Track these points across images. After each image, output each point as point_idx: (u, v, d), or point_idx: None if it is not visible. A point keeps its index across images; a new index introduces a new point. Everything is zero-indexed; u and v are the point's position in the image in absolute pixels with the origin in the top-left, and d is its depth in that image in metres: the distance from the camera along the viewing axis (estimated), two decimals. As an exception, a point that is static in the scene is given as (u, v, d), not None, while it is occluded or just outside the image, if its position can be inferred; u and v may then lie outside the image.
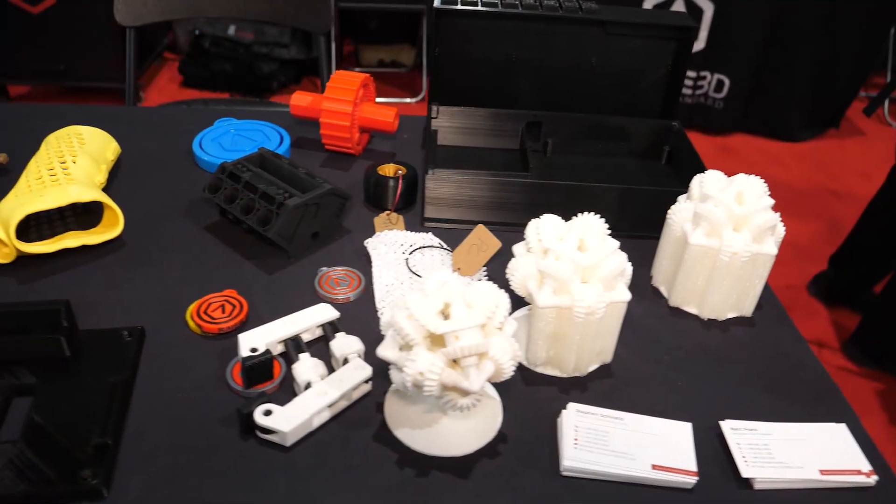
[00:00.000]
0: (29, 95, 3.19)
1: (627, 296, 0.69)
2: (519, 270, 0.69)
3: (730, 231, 0.76)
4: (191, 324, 0.74)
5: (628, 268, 0.70)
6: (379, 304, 0.78)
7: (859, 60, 2.85)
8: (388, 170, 0.93)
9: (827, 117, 3.04)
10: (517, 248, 0.73)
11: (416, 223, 0.91)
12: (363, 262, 0.84)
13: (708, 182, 0.79)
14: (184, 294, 0.77)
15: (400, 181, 0.90)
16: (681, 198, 0.83)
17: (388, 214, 0.91)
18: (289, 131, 1.07)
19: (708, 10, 2.79)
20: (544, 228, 0.70)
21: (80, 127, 0.93)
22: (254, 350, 0.67)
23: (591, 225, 0.70)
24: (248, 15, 1.57)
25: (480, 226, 0.83)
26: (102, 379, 0.66)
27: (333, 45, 3.37)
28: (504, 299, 0.60)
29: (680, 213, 0.80)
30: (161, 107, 1.59)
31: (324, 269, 0.82)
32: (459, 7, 1.00)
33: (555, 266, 0.66)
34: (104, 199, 0.81)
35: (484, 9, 1.00)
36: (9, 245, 0.78)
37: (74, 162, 0.85)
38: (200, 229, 0.88)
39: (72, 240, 0.80)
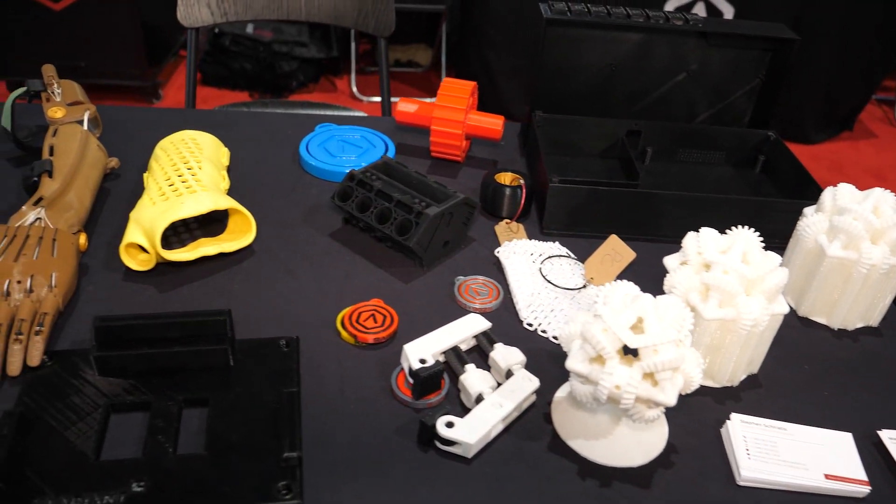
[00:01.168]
0: (47, 92, 3.15)
1: (786, 308, 0.70)
2: (681, 283, 0.70)
3: (868, 244, 0.77)
4: (343, 333, 0.74)
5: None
6: (523, 314, 0.78)
7: (874, 64, 2.89)
8: (504, 178, 0.94)
9: (841, 120, 3.09)
10: (669, 261, 0.74)
11: (533, 232, 0.92)
12: (492, 271, 0.85)
13: (842, 195, 0.80)
14: (324, 302, 0.78)
15: (523, 190, 0.90)
16: (807, 210, 0.84)
17: (507, 223, 0.92)
18: (391, 138, 1.07)
19: (728, 13, 2.82)
20: (705, 242, 0.71)
21: (193, 132, 0.92)
22: (422, 361, 0.68)
23: (749, 239, 0.71)
24: (310, 17, 1.56)
25: (613, 236, 0.84)
26: (273, 390, 0.66)
27: (353, 45, 3.37)
28: (688, 313, 0.61)
29: (813, 226, 0.81)
30: (222, 110, 1.58)
31: (461, 278, 0.82)
32: (569, 17, 1.00)
33: (723, 279, 0.67)
34: (239, 206, 0.81)
35: (593, 19, 1.01)
36: (151, 252, 0.77)
37: (200, 168, 0.85)
38: (326, 237, 0.88)
39: (209, 247, 0.80)
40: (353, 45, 3.39)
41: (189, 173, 0.83)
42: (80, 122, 0.89)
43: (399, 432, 0.65)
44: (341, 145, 1.02)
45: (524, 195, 0.90)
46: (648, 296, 0.61)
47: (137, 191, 0.93)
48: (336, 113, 1.62)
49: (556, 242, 0.88)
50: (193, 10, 1.53)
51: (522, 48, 2.97)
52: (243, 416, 0.64)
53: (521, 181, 0.92)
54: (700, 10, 2.87)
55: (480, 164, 1.05)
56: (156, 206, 0.78)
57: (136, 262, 0.78)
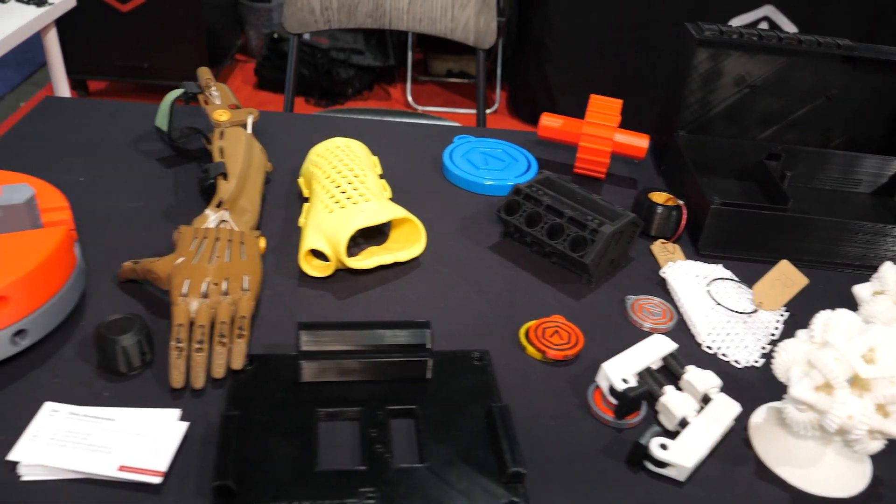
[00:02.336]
0: (107, 91, 3.19)
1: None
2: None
3: None
4: (529, 348, 0.73)
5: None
6: (702, 336, 0.77)
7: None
8: (658, 198, 0.93)
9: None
10: (860, 291, 0.72)
11: (687, 253, 0.91)
12: (655, 290, 0.84)
13: None
14: (498, 316, 0.77)
15: (683, 211, 0.89)
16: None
17: (663, 243, 0.91)
18: (531, 152, 1.06)
19: (790, 30, 2.81)
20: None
21: (345, 139, 0.92)
22: (624, 381, 0.67)
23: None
24: (411, 27, 1.57)
25: (785, 261, 0.82)
26: (478, 403, 0.65)
27: (410, 54, 3.38)
28: (915, 344, 0.60)
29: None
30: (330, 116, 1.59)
31: (631, 297, 0.81)
32: (721, 38, 1.00)
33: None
34: (412, 216, 0.81)
35: (744, 41, 1.00)
36: (331, 260, 0.77)
37: (366, 176, 0.85)
38: (486, 249, 0.87)
39: (384, 256, 0.80)
40: (409, 53, 3.40)
41: (357, 181, 0.83)
42: (244, 126, 0.88)
43: (605, 452, 0.64)
44: (484, 158, 1.01)
45: (684, 216, 0.89)
46: (880, 326, 0.60)
47: (291, 196, 0.92)
48: (434, 123, 1.62)
49: (720, 265, 0.87)
50: (299, 17, 1.53)
51: (582, 62, 2.97)
52: (454, 430, 0.63)
53: (679, 202, 0.91)
54: (763, 27, 2.86)
55: (617, 182, 1.05)
56: (335, 214, 0.78)
57: (313, 269, 0.78)
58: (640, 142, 1.00)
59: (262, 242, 0.76)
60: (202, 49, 3.01)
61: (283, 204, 0.91)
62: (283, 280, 0.78)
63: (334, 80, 3.28)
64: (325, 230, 0.77)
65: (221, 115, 0.87)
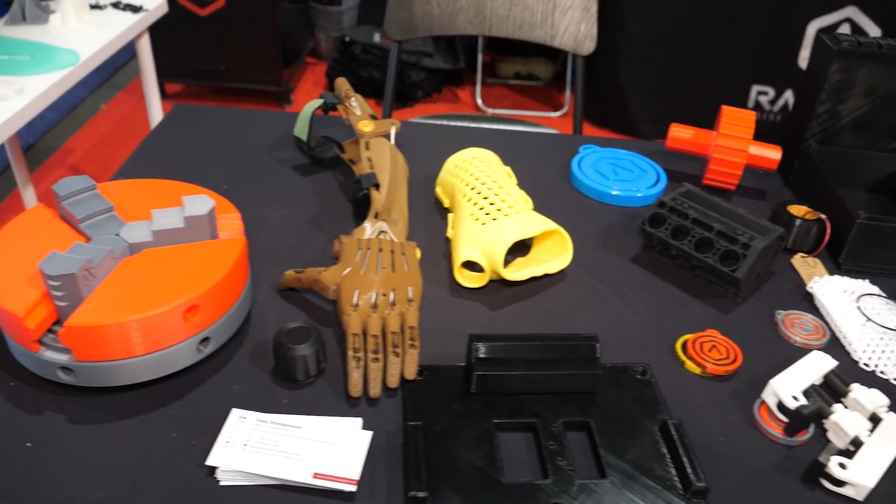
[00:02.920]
0: (183, 94, 3.26)
1: None
2: None
3: None
4: (688, 363, 0.73)
5: None
6: (859, 353, 0.76)
7: None
8: (797, 211, 0.92)
9: None
10: None
11: (828, 267, 0.90)
12: (801, 305, 0.83)
13: None
14: (648, 329, 0.77)
15: (827, 225, 0.88)
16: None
17: (803, 257, 0.90)
18: (657, 162, 1.06)
19: (873, 32, 2.75)
20: None
21: (479, 149, 0.93)
22: (794, 398, 0.66)
23: None
24: (512, 33, 1.57)
25: (940, 277, 0.81)
26: (650, 418, 0.65)
27: (480, 56, 3.38)
28: None
29: None
30: (426, 123, 1.60)
31: (781, 312, 0.80)
32: (860, 49, 0.98)
33: None
34: (560, 228, 0.81)
35: (883, 52, 0.98)
36: (486, 271, 0.78)
37: (511, 188, 0.86)
38: (626, 261, 0.87)
39: (536, 268, 0.80)
40: (479, 56, 3.41)
41: (504, 192, 0.84)
42: (387, 137, 0.90)
43: (779, 469, 0.64)
44: (612, 168, 1.01)
45: (828, 231, 0.88)
46: None
47: (426, 205, 0.94)
48: (534, 130, 1.62)
49: (866, 280, 0.86)
50: (400, 24, 1.55)
51: (657, 64, 2.94)
52: (629, 444, 0.63)
53: (820, 215, 0.90)
54: (845, 30, 2.80)
55: (746, 193, 1.04)
56: (488, 227, 0.79)
57: (466, 279, 0.79)
58: (772, 153, 0.99)
59: (418, 252, 0.77)
60: (278, 52, 3.06)
61: (420, 213, 0.92)
62: (435, 290, 0.80)
63: (405, 82, 3.30)
64: (479, 242, 0.78)
65: (366, 126, 0.89)
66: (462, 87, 3.55)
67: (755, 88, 2.95)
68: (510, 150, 1.08)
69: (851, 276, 0.87)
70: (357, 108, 0.93)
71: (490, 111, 3.32)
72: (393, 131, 0.90)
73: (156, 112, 2.26)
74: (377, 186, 0.82)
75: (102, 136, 2.94)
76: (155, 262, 0.64)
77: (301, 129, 0.94)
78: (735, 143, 0.96)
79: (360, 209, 0.86)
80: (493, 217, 0.80)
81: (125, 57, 3.57)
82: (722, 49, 2.86)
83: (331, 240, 0.85)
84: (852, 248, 0.88)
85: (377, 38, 3.31)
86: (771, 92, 2.95)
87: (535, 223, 0.78)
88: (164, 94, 3.21)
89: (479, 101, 3.36)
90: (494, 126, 1.63)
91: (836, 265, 0.90)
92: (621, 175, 1.00)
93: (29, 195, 2.32)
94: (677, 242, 0.83)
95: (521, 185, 1.00)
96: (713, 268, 0.81)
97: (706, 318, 0.80)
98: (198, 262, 0.65)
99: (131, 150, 2.84)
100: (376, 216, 0.78)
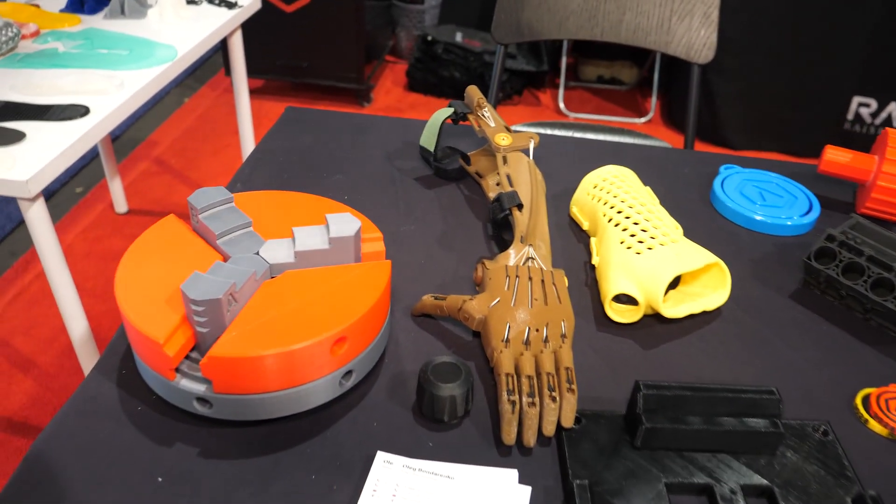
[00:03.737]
0: (264, 89, 3.26)
1: None
2: None
3: None
4: (871, 422, 0.65)
5: None
6: None
7: None
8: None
9: None
10: None
11: None
12: None
13: None
14: (822, 379, 0.69)
15: None
16: None
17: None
18: (806, 186, 0.97)
19: None
20: None
21: (618, 168, 0.85)
22: None
23: None
24: (624, 39, 1.49)
25: None
26: (838, 488, 0.58)
27: (564, 60, 3.30)
28: None
29: None
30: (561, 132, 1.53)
31: (971, 365, 0.71)
32: None
33: None
34: (720, 261, 0.73)
35: None
36: (641, 305, 0.71)
37: (661, 213, 0.78)
38: (786, 298, 0.79)
39: (693, 304, 0.73)
40: (563, 59, 3.33)
41: (655, 218, 0.76)
42: (525, 152, 0.83)
43: None
44: (759, 191, 0.93)
45: None
46: None
47: (558, 227, 0.87)
48: (653, 144, 1.54)
49: None
50: (508, 28, 1.49)
51: (751, 72, 2.81)
52: (822, 519, 0.55)
53: None
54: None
55: (907, 224, 0.94)
56: (644, 257, 0.71)
57: (618, 314, 0.72)
58: (944, 182, 0.89)
59: (566, 280, 0.71)
60: (360, 50, 3.03)
61: (554, 235, 0.85)
62: (580, 322, 0.73)
63: (486, 83, 3.24)
64: (635, 273, 0.71)
65: (503, 140, 0.83)
66: (543, 89, 3.47)
67: (856, 100, 2.80)
68: (642, 166, 1.01)
69: None
70: (490, 119, 0.87)
71: (572, 115, 3.23)
72: (532, 146, 0.84)
73: (244, 108, 2.25)
74: (520, 207, 0.75)
75: (186, 129, 2.96)
76: (298, 287, 0.59)
77: (428, 139, 0.89)
78: (904, 169, 0.87)
79: (499, 230, 0.80)
80: (649, 246, 0.73)
81: (209, 52, 3.60)
82: (823, 57, 2.71)
83: (462, 260, 0.79)
84: None
85: (459, 37, 3.26)
86: (874, 104, 2.79)
87: (695, 255, 0.71)
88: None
89: (562, 105, 3.27)
90: (601, 137, 1.56)
91: None
92: (769, 200, 0.91)
93: (116, 186, 2.34)
94: (849, 282, 0.74)
95: (663, 205, 0.92)
96: (893, 313, 0.72)
97: (886, 370, 0.71)
98: (344, 288, 0.60)
99: (214, 145, 2.84)
100: (521, 240, 0.72)
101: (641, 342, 0.72)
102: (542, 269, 0.69)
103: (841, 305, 0.78)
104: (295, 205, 0.69)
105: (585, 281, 0.78)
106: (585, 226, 0.84)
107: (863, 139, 2.86)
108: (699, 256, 0.71)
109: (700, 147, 2.99)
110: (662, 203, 0.93)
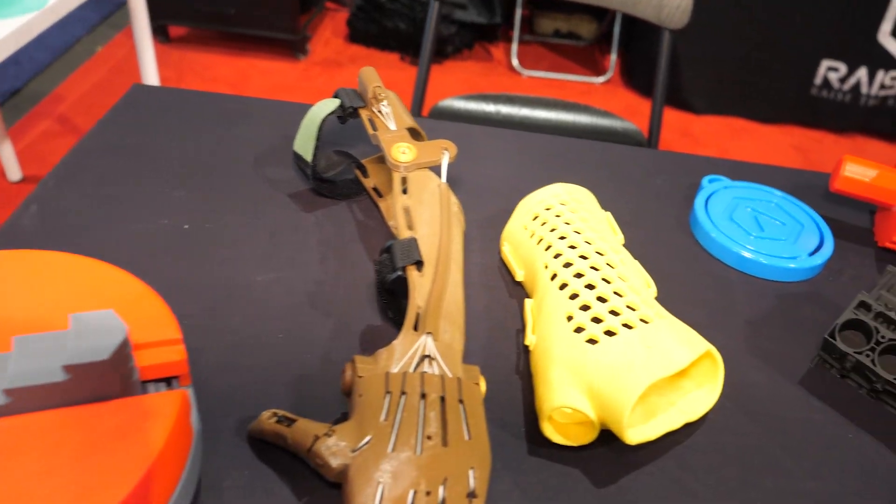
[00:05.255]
0: (188, 38, 2.91)
1: None
2: None
3: None
4: None
5: None
6: None
7: None
8: None
9: None
10: None
11: None
12: None
13: None
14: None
15: None
16: None
17: None
18: (814, 209, 0.74)
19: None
20: None
21: (567, 187, 0.61)
22: None
23: None
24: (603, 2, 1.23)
25: None
26: None
27: (518, 12, 3.02)
28: None
29: None
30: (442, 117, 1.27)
31: None
32: None
33: None
34: (713, 350, 0.50)
35: None
36: (595, 425, 0.47)
37: (626, 262, 0.54)
38: (797, 387, 0.56)
39: (670, 416, 0.49)
40: (517, 11, 3.04)
41: (619, 278, 0.52)
42: (436, 170, 0.58)
43: None
44: (754, 216, 0.69)
45: None
46: None
47: (479, 266, 0.62)
48: (616, 124, 1.29)
49: None
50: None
51: (715, 34, 2.58)
52: None
53: None
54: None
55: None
56: (602, 349, 0.47)
57: (559, 435, 0.48)
58: None
59: (483, 386, 0.46)
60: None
61: (477, 285, 0.60)
62: (502, 442, 0.49)
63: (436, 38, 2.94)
64: (587, 376, 0.46)
65: (404, 153, 0.57)
66: (496, 43, 3.19)
67: (825, 64, 2.60)
68: (602, 173, 0.76)
69: None
70: (390, 118, 0.61)
71: (526, 73, 2.96)
72: (445, 161, 0.58)
73: (148, 61, 1.93)
74: (419, 265, 0.50)
75: (97, 83, 2.61)
76: (13, 452, 0.34)
77: (304, 144, 0.62)
78: (950, 196, 0.64)
79: (391, 300, 0.55)
80: (608, 328, 0.48)
81: (122, -7, 3.22)
82: (791, 18, 2.49)
83: (341, 332, 0.54)
84: None
85: (404, -16, 2.95)
86: (842, 68, 2.59)
87: (679, 347, 0.47)
88: (167, 38, 2.86)
89: (515, 62, 3.00)
90: (554, 115, 1.30)
91: None
92: (769, 229, 0.68)
93: (6, 151, 2.01)
94: (891, 375, 0.51)
95: (623, 231, 0.68)
96: (955, 426, 0.49)
97: (942, 511, 0.49)
98: (96, 451, 0.34)
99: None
100: (416, 326, 0.47)
101: (593, 475, 0.48)
102: (443, 377, 0.44)
103: (871, 397, 0.55)
104: (32, 278, 0.42)
105: (517, 367, 0.54)
106: (520, 276, 0.60)
107: (831, 106, 2.67)
108: (685, 348, 0.47)
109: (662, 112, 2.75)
110: (628, 232, 0.68)
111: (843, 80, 2.63)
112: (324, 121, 0.61)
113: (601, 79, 3.01)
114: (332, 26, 3.17)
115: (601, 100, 2.86)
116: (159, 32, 2.81)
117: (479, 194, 0.70)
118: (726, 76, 2.68)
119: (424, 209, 0.54)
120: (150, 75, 1.92)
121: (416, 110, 1.29)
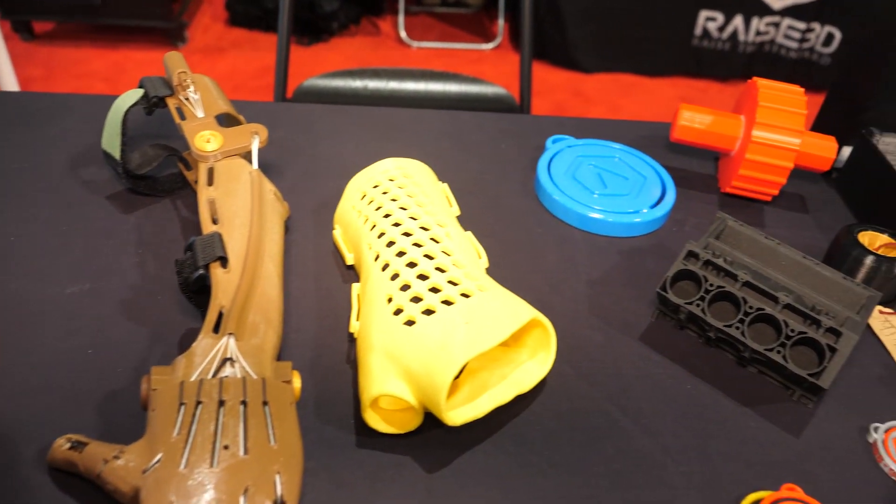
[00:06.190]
0: (55, 33, 2.76)
1: None
2: None
3: None
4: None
5: None
6: None
7: None
8: (872, 240, 0.61)
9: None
10: None
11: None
12: (893, 399, 0.54)
13: None
14: (690, 483, 0.46)
15: (928, 267, 0.58)
16: None
17: (882, 312, 0.60)
18: (652, 157, 0.74)
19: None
20: None
21: (400, 161, 0.59)
22: None
23: None
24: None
25: None
26: None
27: (401, -19, 2.97)
28: None
29: None
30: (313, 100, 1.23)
31: (878, 426, 0.51)
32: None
33: None
34: (542, 318, 0.48)
35: None
36: (417, 409, 0.45)
37: (450, 237, 0.52)
38: (636, 342, 0.56)
39: (499, 390, 0.48)
40: (400, -19, 2.99)
41: (441, 250, 0.50)
42: (246, 157, 0.55)
43: None
44: (597, 174, 0.68)
45: (929, 275, 0.58)
46: None
47: (319, 253, 0.59)
48: (481, 89, 1.27)
49: None
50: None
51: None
52: None
53: (914, 250, 0.60)
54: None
55: (777, 200, 0.73)
56: (419, 329, 0.45)
57: (384, 422, 0.46)
58: (826, 148, 0.68)
59: (297, 382, 0.44)
60: (165, -17, 2.59)
61: (309, 273, 0.58)
62: (330, 433, 0.46)
63: (317, 13, 2.87)
64: (404, 361, 0.44)
65: (207, 142, 0.53)
66: (383, 17, 3.13)
67: (703, 14, 2.65)
68: (439, 142, 0.74)
69: (965, 347, 0.58)
70: (197, 105, 0.57)
71: (415, 44, 2.92)
72: (256, 146, 0.55)
73: (2, 61, 1.80)
74: (223, 261, 0.47)
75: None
76: None
77: (110, 140, 0.58)
78: (780, 135, 0.65)
79: (202, 298, 0.51)
80: (428, 307, 0.46)
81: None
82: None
83: (158, 342, 0.50)
84: (963, 302, 0.59)
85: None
86: (720, 18, 2.65)
87: (499, 319, 0.46)
88: (31, 34, 2.69)
89: (403, 34, 2.96)
90: (423, 86, 1.27)
91: (932, 322, 0.61)
92: (612, 185, 0.68)
93: None
94: (720, 323, 0.51)
95: (464, 204, 0.66)
96: (782, 367, 0.50)
97: (771, 447, 0.49)
98: None
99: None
100: (217, 328, 0.44)
101: (424, 460, 0.46)
102: (245, 380, 0.41)
103: (704, 344, 0.55)
104: None
105: (348, 356, 0.52)
106: (350, 260, 0.57)
107: (713, 55, 2.73)
108: (506, 319, 0.45)
109: (551, 72, 2.77)
110: (471, 201, 0.67)
111: (721, 28, 2.69)
112: (127, 113, 0.57)
113: (491, 45, 3.00)
114: (211, 11, 3.05)
115: (492, 66, 2.85)
116: (21, 29, 2.65)
117: (315, 176, 0.67)
118: (611, 33, 2.71)
119: (233, 200, 0.51)
120: (5, 76, 1.79)
121: (279, 93, 1.24)
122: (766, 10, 2.59)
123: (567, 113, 2.60)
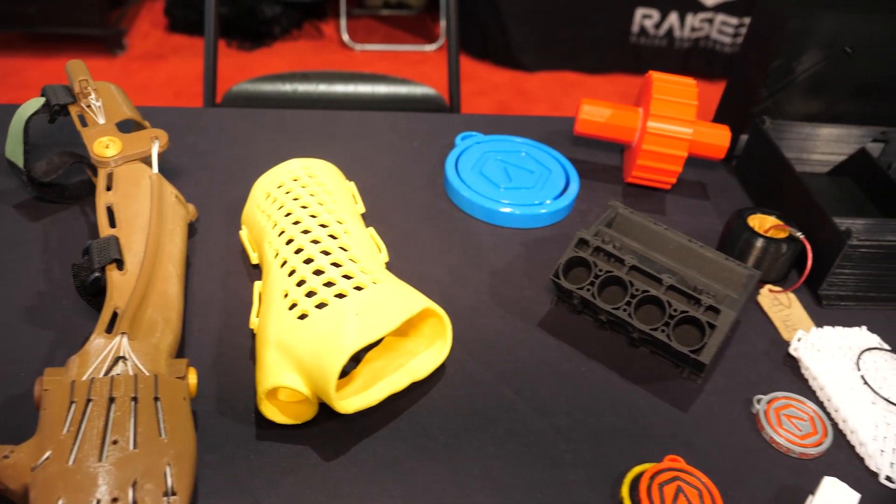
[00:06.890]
0: (-11, 45, 2.71)
1: None
2: None
3: None
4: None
5: None
6: (876, 460, 0.51)
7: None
8: (762, 223, 0.65)
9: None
10: None
11: (802, 300, 0.64)
12: (784, 376, 0.57)
13: None
14: (579, 460, 0.49)
15: (808, 250, 0.62)
16: None
17: (771, 291, 0.63)
18: (559, 150, 0.76)
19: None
20: None
21: (305, 161, 0.61)
22: None
23: None
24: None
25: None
26: None
27: (342, -15, 2.98)
28: None
29: None
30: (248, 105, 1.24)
31: (762, 398, 0.54)
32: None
33: None
34: (435, 307, 0.51)
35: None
36: (311, 400, 0.47)
37: (348, 233, 0.54)
38: (535, 328, 0.58)
39: (395, 377, 0.50)
40: (342, -15, 3.00)
41: (337, 245, 0.52)
42: (146, 161, 0.56)
43: None
44: (503, 168, 0.71)
45: (809, 258, 0.62)
46: None
47: (231, 256, 0.61)
48: (408, 90, 1.29)
49: (864, 328, 0.61)
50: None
51: (539, -10, 2.65)
52: None
53: (795, 233, 0.63)
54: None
55: (678, 188, 0.76)
56: (311, 322, 0.47)
57: (281, 414, 0.48)
58: (720, 137, 0.71)
59: (193, 378, 0.45)
60: (101, -11, 2.56)
61: (217, 274, 0.59)
62: (231, 427, 0.48)
63: (258, 19, 2.86)
64: (296, 352, 0.46)
65: (106, 147, 0.54)
66: (326, 20, 3.14)
67: (639, 11, 2.71)
68: (351, 142, 0.76)
69: (857, 324, 0.62)
70: (99, 112, 0.58)
71: (358, 47, 2.93)
72: (156, 150, 0.56)
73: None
74: (120, 264, 0.48)
75: None
76: None
77: (13, 149, 0.58)
78: (673, 125, 0.68)
79: (97, 302, 0.52)
80: (320, 300, 0.48)
81: None
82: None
83: (61, 346, 0.51)
84: (837, 279, 0.63)
85: (221, -34, 2.84)
86: (656, 15, 2.71)
87: (390, 310, 0.47)
88: (-39, 47, 2.63)
89: (346, 37, 2.96)
90: (353, 88, 1.29)
91: (816, 299, 0.64)
92: (517, 179, 0.70)
93: None
94: (609, 306, 0.54)
95: (369, 202, 0.68)
96: (667, 345, 0.53)
97: (657, 419, 0.52)
98: None
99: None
100: (110, 328, 0.45)
101: (321, 449, 0.48)
102: (136, 377, 0.43)
103: (598, 327, 0.58)
104: None
105: (251, 352, 0.53)
106: (254, 259, 0.59)
107: (650, 52, 2.79)
108: (397, 310, 0.47)
109: (494, 72, 2.80)
110: (379, 199, 0.68)
111: (657, 25, 2.75)
112: (29, 122, 0.58)
113: (433, 46, 3.02)
114: (151, 17, 3.02)
115: (434, 67, 2.87)
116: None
117: (228, 179, 0.69)
118: (552, 32, 2.75)
119: (133, 204, 0.52)
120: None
121: (208, 98, 1.24)
122: (700, 7, 2.66)
123: (510, 112, 2.64)
